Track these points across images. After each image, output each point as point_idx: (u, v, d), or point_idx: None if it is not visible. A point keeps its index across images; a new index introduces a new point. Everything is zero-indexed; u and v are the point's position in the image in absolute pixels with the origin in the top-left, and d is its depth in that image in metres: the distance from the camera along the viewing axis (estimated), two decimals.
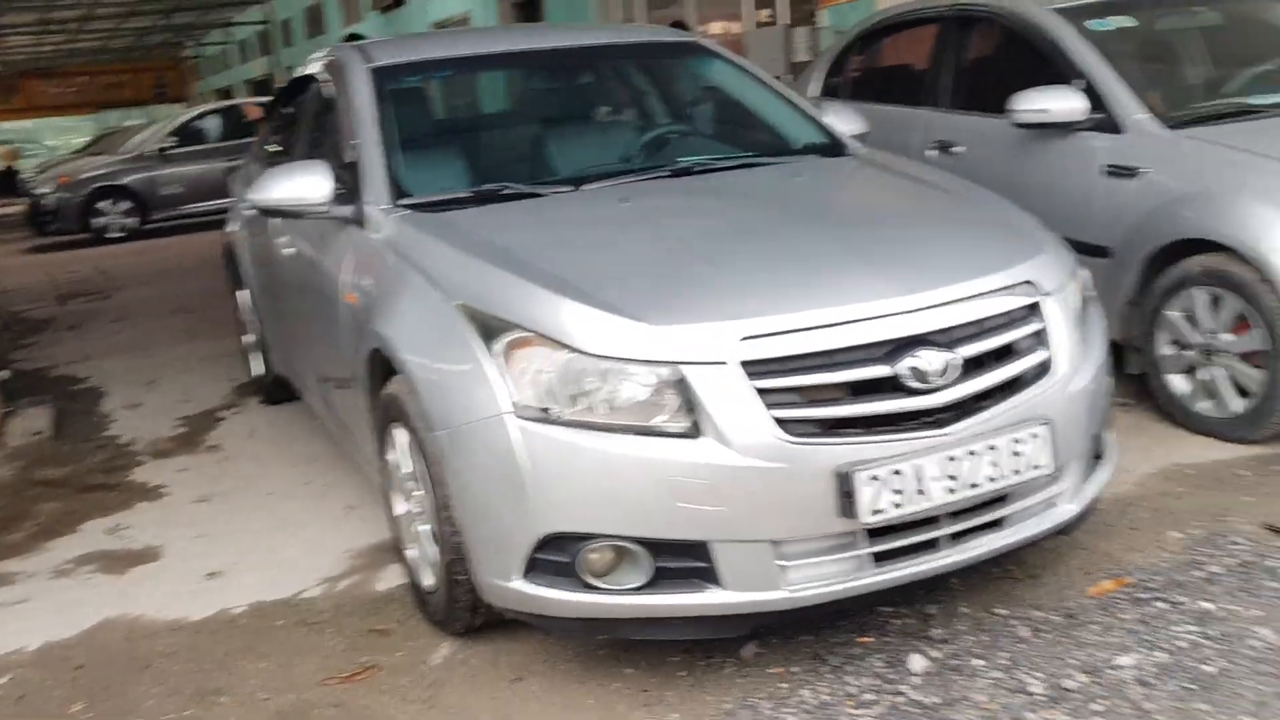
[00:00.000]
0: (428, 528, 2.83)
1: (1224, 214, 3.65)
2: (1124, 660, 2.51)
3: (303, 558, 3.48)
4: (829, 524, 2.37)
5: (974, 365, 2.50)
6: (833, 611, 2.53)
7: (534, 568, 2.50)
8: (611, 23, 14.56)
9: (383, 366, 2.98)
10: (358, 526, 3.67)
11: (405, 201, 3.23)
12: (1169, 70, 4.57)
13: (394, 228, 3.13)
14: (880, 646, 2.67)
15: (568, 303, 2.51)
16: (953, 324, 2.50)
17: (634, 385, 2.41)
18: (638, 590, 2.44)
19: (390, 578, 3.27)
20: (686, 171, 3.44)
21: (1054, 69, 4.35)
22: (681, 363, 2.38)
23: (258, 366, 5.20)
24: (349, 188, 3.34)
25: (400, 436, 2.91)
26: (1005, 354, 2.57)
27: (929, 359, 2.42)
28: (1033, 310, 2.64)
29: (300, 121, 4.43)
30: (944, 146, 4.87)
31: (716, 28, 13.40)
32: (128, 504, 4.16)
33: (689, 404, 2.37)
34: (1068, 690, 2.42)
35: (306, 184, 3.30)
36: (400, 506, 3.06)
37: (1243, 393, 3.67)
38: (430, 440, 2.66)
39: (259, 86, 31.67)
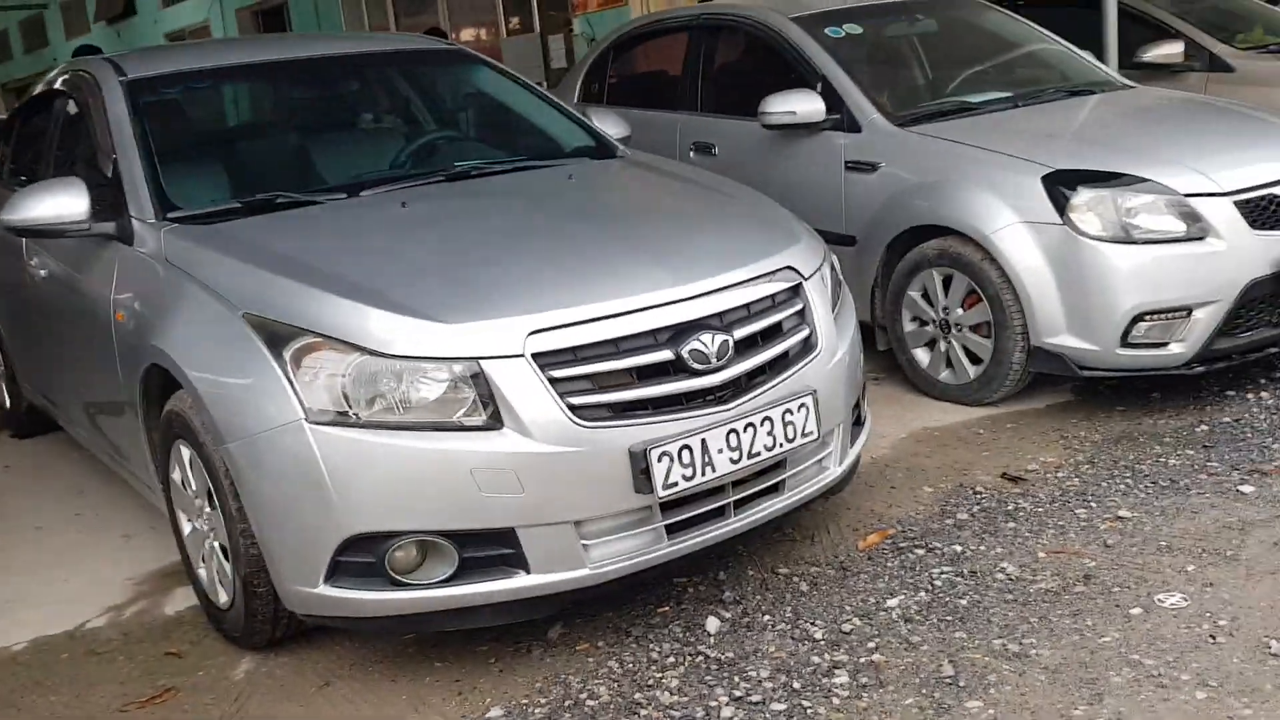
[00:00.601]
0: (220, 543, 2.79)
1: (951, 201, 4.06)
2: (892, 602, 2.79)
3: (83, 590, 3.33)
4: (627, 500, 2.52)
5: (747, 345, 2.71)
6: (633, 584, 2.68)
7: (339, 571, 2.52)
8: (361, 31, 14.34)
9: (160, 383, 2.91)
10: (138, 554, 3.54)
11: (174, 215, 3.16)
12: (897, 73, 5.01)
13: (164, 242, 3.06)
14: (678, 614, 2.84)
15: (358, 306, 2.55)
16: (726, 308, 2.70)
17: (430, 383, 2.47)
18: (445, 582, 2.51)
19: (179, 600, 3.19)
20: (463, 175, 3.51)
21: (797, 74, 4.69)
22: (476, 358, 2.46)
23: (6, 398, 4.88)
24: (109, 204, 3.23)
25: (185, 453, 2.85)
26: (773, 333, 2.79)
27: (707, 341, 2.61)
28: (794, 293, 2.88)
29: (45, 139, 4.20)
30: (702, 148, 5.14)
31: (469, 35, 13.46)
32: None
33: (488, 397, 2.46)
34: (846, 633, 2.67)
35: (63, 202, 3.16)
36: (188, 525, 3.00)
37: (976, 361, 4.09)
38: (221, 453, 2.63)
39: None
